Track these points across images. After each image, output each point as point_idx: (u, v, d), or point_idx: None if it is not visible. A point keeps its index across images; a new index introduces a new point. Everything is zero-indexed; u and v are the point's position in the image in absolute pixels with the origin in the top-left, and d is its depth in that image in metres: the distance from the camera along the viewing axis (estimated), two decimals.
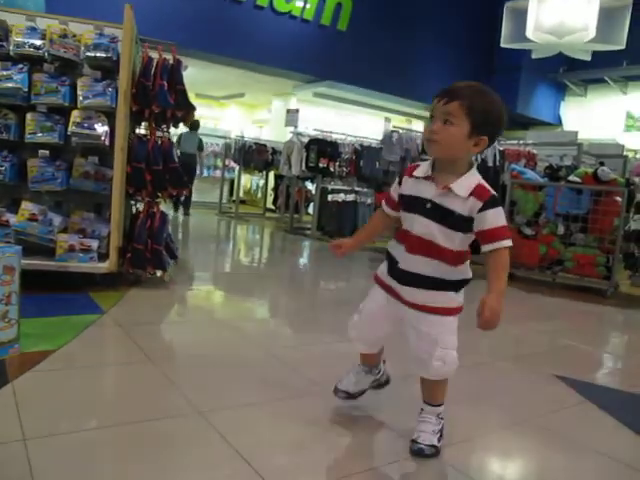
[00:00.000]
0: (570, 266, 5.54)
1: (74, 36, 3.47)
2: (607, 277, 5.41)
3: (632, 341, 4.11)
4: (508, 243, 1.63)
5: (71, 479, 1.51)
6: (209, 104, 16.19)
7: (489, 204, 1.63)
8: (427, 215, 1.70)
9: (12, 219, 3.43)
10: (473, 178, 1.68)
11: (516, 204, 5.84)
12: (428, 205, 1.70)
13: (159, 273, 3.93)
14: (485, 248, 1.64)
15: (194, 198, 11.80)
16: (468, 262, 1.78)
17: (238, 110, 16.96)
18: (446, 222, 1.68)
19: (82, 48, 3.48)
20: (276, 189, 12.18)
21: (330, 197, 8.49)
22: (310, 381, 2.41)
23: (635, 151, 9.52)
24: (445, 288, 1.75)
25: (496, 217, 1.64)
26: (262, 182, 12.21)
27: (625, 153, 8.48)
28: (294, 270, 5.86)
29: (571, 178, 5.68)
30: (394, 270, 1.83)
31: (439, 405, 1.85)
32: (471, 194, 1.65)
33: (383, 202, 1.91)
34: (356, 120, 14.19)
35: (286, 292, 4.53)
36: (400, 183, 1.82)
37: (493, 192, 1.67)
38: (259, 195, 12.62)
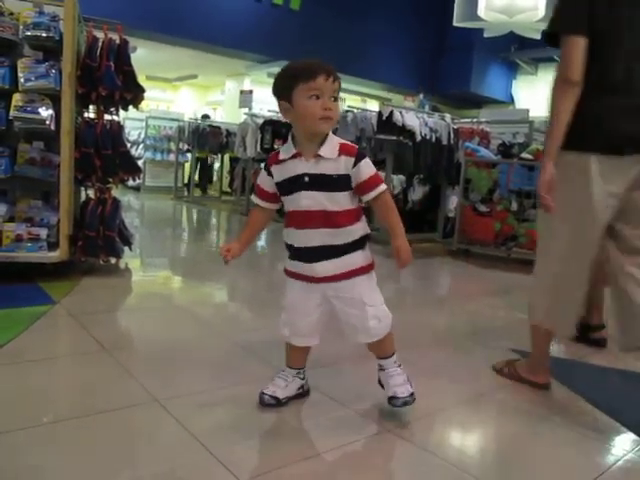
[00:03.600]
0: (524, 241, 5.64)
1: (11, 14, 3.31)
2: None
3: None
4: (385, 187, 1.78)
5: (27, 475, 1.47)
6: (161, 86, 15.84)
7: (359, 157, 1.75)
8: (309, 188, 1.75)
9: None
10: (333, 140, 1.77)
11: (470, 182, 5.91)
12: (306, 179, 1.75)
13: (113, 260, 3.84)
14: (369, 196, 1.77)
15: (147, 182, 11.60)
16: (364, 218, 1.85)
17: (191, 92, 16.65)
18: (328, 187, 1.75)
19: (21, 27, 3.32)
20: (232, 172, 12.04)
21: None
22: (269, 365, 2.39)
23: None
24: (350, 250, 1.82)
25: (369, 167, 1.76)
26: (217, 165, 12.04)
27: None
28: (252, 253, 5.80)
29: (523, 155, 5.76)
30: (298, 253, 1.85)
31: (393, 354, 1.94)
32: (340, 154, 1.74)
33: (256, 198, 1.92)
34: None
35: (244, 275, 4.48)
36: (270, 174, 1.85)
37: (356, 146, 1.80)
38: (215, 178, 12.44)
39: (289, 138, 1.82)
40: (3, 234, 3.31)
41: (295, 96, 1.71)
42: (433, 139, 6.02)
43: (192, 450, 1.62)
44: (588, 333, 2.99)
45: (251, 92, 9.62)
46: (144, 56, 10.92)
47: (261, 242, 6.26)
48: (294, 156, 1.78)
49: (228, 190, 12.16)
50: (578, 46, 1.92)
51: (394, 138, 5.55)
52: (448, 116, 6.63)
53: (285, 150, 1.81)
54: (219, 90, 15.15)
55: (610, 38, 1.94)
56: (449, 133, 6.25)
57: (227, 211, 9.68)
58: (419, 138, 5.83)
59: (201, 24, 10.31)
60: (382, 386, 1.96)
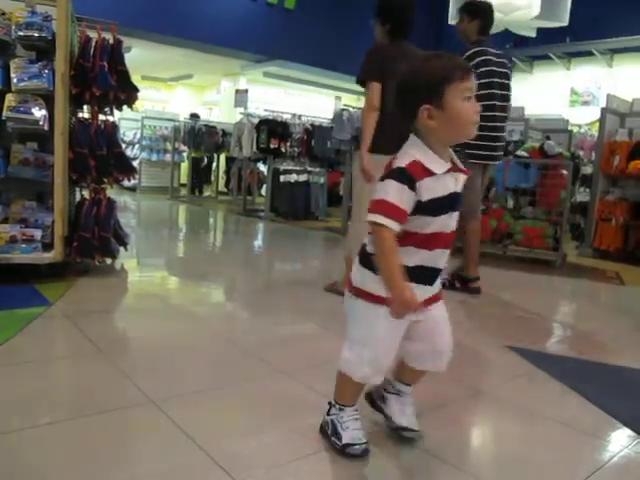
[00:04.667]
0: (520, 239, 5.65)
1: (3, 14, 3.29)
2: (555, 248, 5.54)
3: (580, 309, 4.23)
4: None
5: (23, 477, 1.46)
6: (156, 86, 15.83)
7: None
8: (455, 207, 1.53)
9: None
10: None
11: None
12: (454, 197, 1.51)
13: (109, 261, 3.83)
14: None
15: (144, 183, 11.59)
16: None
17: (187, 92, 16.64)
18: (459, 207, 1.57)
19: (13, 27, 3.31)
20: (228, 171, 12.03)
21: (282, 178, 8.42)
22: (265, 364, 2.39)
23: (579, 125, 9.72)
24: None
25: None
26: (213, 165, 12.04)
27: (570, 128, 8.67)
28: (248, 252, 5.80)
29: (519, 153, 5.78)
30: (420, 274, 1.53)
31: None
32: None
33: (389, 221, 1.42)
34: (307, 99, 14.09)
35: (241, 275, 4.48)
36: (414, 189, 1.43)
37: None
38: (211, 178, 12.44)
39: (421, 146, 1.48)
40: None
41: (448, 97, 1.44)
42: None
43: (188, 451, 1.62)
44: (467, 284, 4.00)
45: (246, 91, 9.61)
46: (139, 56, 10.94)
47: (258, 242, 6.25)
48: (448, 171, 1.48)
49: (224, 190, 12.16)
50: (377, 87, 3.09)
51: None
52: None
53: (436, 162, 1.47)
54: (215, 90, 15.14)
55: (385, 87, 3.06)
56: None
57: (223, 211, 9.67)
58: None
59: (196, 23, 10.31)
60: (378, 409, 1.83)
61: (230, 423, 1.83)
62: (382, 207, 1.43)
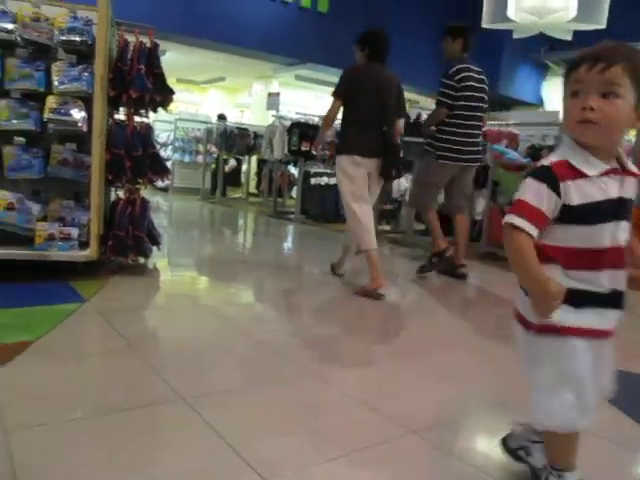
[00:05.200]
0: None
1: (47, 19, 3.38)
2: None
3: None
4: None
5: (57, 470, 1.50)
6: (190, 89, 16.02)
7: None
8: (621, 216, 1.33)
9: None
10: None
11: (498, 184, 5.85)
12: (618, 203, 1.32)
13: (141, 260, 3.90)
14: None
15: (176, 184, 11.74)
16: None
17: (219, 94, 16.79)
18: (629, 215, 1.36)
19: (56, 32, 3.40)
20: (259, 173, 12.11)
21: (313, 180, 8.45)
22: (295, 365, 2.41)
23: None
24: None
25: None
26: (245, 167, 12.14)
27: None
28: (278, 254, 5.84)
29: None
30: (604, 298, 1.34)
31: None
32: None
33: (527, 224, 1.27)
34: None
35: (270, 276, 4.51)
36: (556, 190, 1.27)
37: None
38: (242, 180, 12.54)
39: (573, 146, 1.31)
40: (36, 233, 3.38)
41: (564, 94, 1.33)
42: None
43: (218, 449, 1.64)
44: (454, 270, 4.62)
45: (278, 94, 9.66)
46: (174, 59, 11.10)
47: (287, 243, 6.29)
48: (607, 173, 1.30)
49: (255, 192, 12.24)
50: (336, 104, 3.92)
51: (422, 141, 5.53)
52: None
53: (590, 163, 1.29)
54: (247, 92, 15.26)
55: (352, 101, 3.87)
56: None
57: (253, 212, 9.74)
58: None
59: (229, 28, 10.41)
60: (518, 458, 1.61)
61: (259, 423, 1.85)
62: (518, 208, 1.30)
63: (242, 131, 10.90)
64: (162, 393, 2.00)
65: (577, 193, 1.27)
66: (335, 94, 3.91)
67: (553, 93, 14.45)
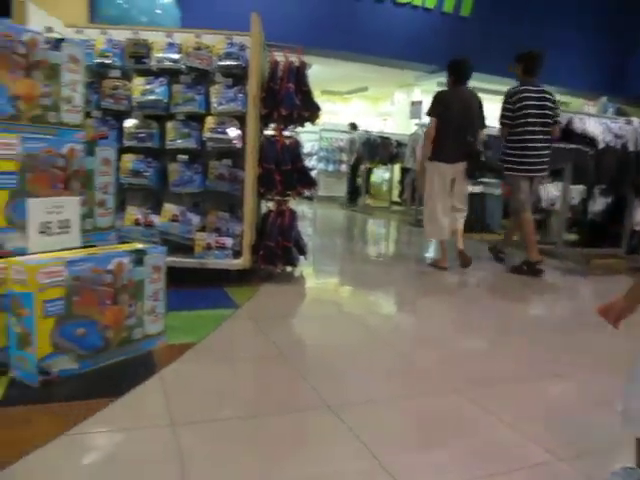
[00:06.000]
0: None
1: (207, 47, 3.69)
2: None
3: None
4: None
5: (215, 463, 1.64)
6: (333, 100, 16.43)
7: None
8: None
9: (156, 220, 3.73)
10: None
11: None
12: None
13: (289, 268, 4.09)
14: None
15: (320, 192, 12.08)
16: None
17: (361, 104, 17.04)
18: None
19: (214, 58, 3.70)
20: (402, 182, 12.11)
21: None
22: (438, 380, 2.40)
23: None
24: None
25: None
26: (388, 175, 12.21)
27: None
28: (420, 263, 5.80)
29: None
30: None
31: None
32: None
33: None
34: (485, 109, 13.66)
35: (413, 287, 4.51)
36: None
37: None
38: (384, 188, 12.62)
39: None
40: (196, 242, 3.69)
41: None
42: (618, 146, 5.57)
43: (361, 458, 1.69)
44: (531, 266, 4.89)
45: (421, 102, 9.64)
46: (319, 72, 11.45)
47: (429, 253, 6.23)
48: None
49: (397, 200, 12.25)
50: (434, 122, 4.78)
51: (573, 147, 5.29)
52: (636, 120, 6.09)
53: None
54: (389, 101, 15.34)
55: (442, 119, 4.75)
56: (636, 139, 5.74)
57: (396, 221, 9.76)
58: (601, 145, 5.44)
59: (372, 39, 10.56)
60: None
61: (402, 435, 1.88)
62: None
63: (385, 140, 10.98)
64: (309, 400, 2.10)
65: None
66: (431, 114, 4.87)
67: None
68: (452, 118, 4.73)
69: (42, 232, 2.28)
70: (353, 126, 12.12)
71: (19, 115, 2.33)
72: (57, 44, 2.47)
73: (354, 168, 11.71)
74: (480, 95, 5.15)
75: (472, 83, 5.23)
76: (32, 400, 1.98)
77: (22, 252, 2.20)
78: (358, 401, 2.12)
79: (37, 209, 2.24)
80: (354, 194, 11.76)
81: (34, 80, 2.37)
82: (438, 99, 4.88)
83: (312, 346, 2.89)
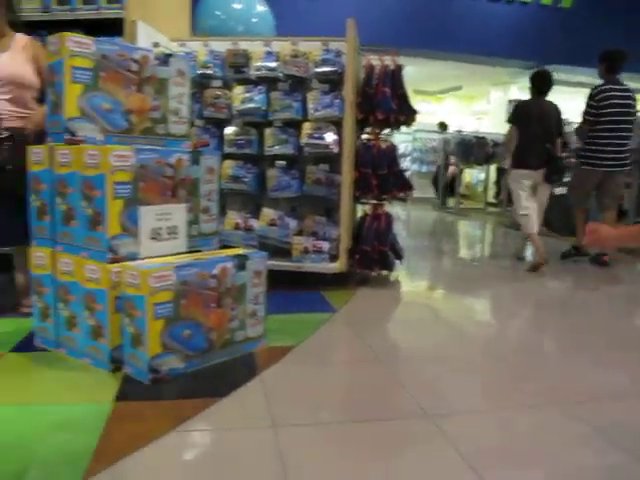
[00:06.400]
0: None
1: (304, 54, 3.76)
2: None
3: None
4: None
5: (313, 467, 1.67)
6: (426, 99, 16.21)
7: None
8: None
9: (255, 224, 3.85)
10: None
11: None
12: None
13: (385, 272, 4.08)
14: None
15: (414, 194, 11.93)
16: None
17: (455, 103, 16.71)
18: None
19: (310, 65, 3.77)
20: (498, 182, 11.77)
21: (557, 190, 7.92)
22: (541, 392, 2.31)
23: None
24: None
25: None
26: (483, 176, 11.90)
27: None
28: (516, 268, 5.60)
29: None
30: None
31: None
32: None
33: None
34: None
35: (512, 293, 4.36)
36: None
37: None
38: (480, 189, 12.31)
39: None
40: (293, 246, 3.77)
41: None
42: None
43: (458, 470, 1.66)
44: (598, 257, 5.22)
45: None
46: (411, 72, 11.30)
47: (529, 257, 6.00)
48: None
49: (493, 201, 11.91)
50: (513, 129, 5.16)
51: None
52: None
53: None
54: (484, 99, 14.94)
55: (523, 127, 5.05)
56: None
57: (491, 223, 9.49)
58: None
59: (466, 37, 10.33)
60: None
61: (502, 450, 1.82)
62: None
63: (480, 140, 10.71)
64: (407, 406, 2.09)
65: None
66: (511, 122, 5.23)
67: None
68: (532, 126, 4.98)
69: (152, 238, 2.40)
70: (443, 126, 11.91)
71: (132, 128, 2.49)
72: (165, 60, 2.60)
73: (440, 169, 11.50)
74: (577, 89, 5.28)
75: (576, 79, 5.27)
76: (144, 396, 2.11)
77: (134, 257, 2.34)
78: (456, 411, 2.08)
79: (148, 216, 2.37)
80: (444, 195, 11.53)
81: (145, 95, 2.52)
82: (520, 108, 5.24)
83: (409, 351, 2.87)
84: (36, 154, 2.50)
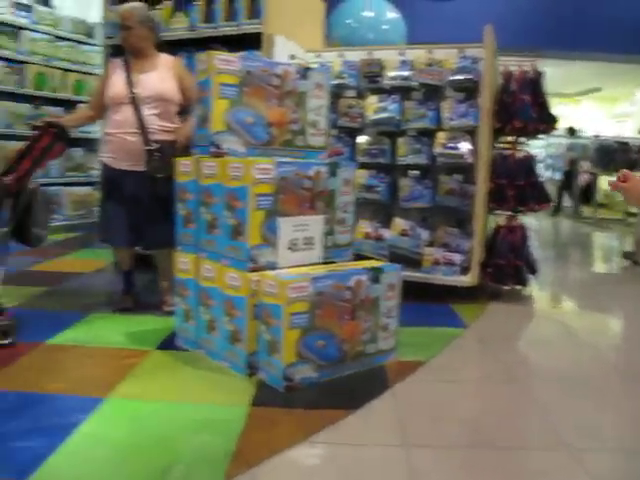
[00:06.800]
0: None
1: (438, 62, 3.69)
2: None
3: None
4: None
5: None
6: (562, 102, 15.39)
7: None
8: None
9: (386, 234, 3.83)
10: None
11: None
12: None
13: (518, 287, 3.90)
14: None
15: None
16: None
17: (593, 105, 15.71)
18: None
19: (445, 72, 3.69)
20: None
21: None
22: None
23: None
24: None
25: None
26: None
27: None
28: None
29: None
30: None
31: None
32: None
33: None
34: None
35: None
36: None
37: None
38: (619, 198, 11.45)
39: None
40: (424, 257, 3.71)
41: None
42: None
43: None
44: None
45: None
46: (547, 74, 10.83)
47: None
48: None
49: (634, 211, 11.04)
50: None
51: None
52: None
53: None
54: (627, 101, 13.93)
55: None
56: None
57: (630, 235, 8.78)
58: None
59: (605, 35, 9.64)
60: None
61: None
62: None
63: (622, 145, 9.98)
64: (546, 437, 1.97)
65: None
66: None
67: None
68: None
69: (289, 248, 2.46)
70: (571, 131, 11.22)
71: (272, 140, 2.57)
72: (305, 73, 2.67)
73: (568, 175, 10.82)
74: None
75: None
76: (278, 403, 2.16)
77: (272, 266, 2.41)
78: (602, 447, 1.93)
79: (286, 227, 2.44)
80: (558, 204, 10.82)
81: (285, 108, 2.59)
82: None
83: (544, 371, 2.71)
84: (184, 165, 2.66)
